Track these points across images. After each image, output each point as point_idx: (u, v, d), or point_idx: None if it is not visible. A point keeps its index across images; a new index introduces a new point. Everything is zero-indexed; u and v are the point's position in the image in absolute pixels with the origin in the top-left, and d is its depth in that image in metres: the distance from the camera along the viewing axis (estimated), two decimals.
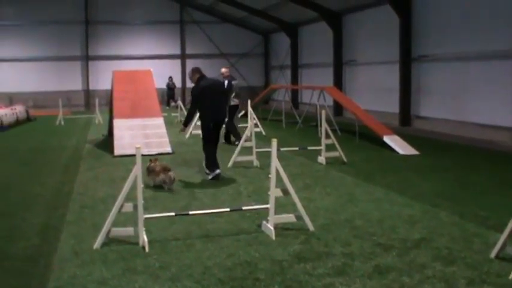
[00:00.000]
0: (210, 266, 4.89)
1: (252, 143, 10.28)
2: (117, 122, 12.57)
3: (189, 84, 9.59)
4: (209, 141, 9.19)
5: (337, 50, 22.75)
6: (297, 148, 11.57)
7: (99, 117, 20.36)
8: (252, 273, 4.72)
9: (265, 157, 9.85)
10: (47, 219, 6.65)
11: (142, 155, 5.62)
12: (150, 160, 8.62)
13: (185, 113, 9.78)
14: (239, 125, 13.78)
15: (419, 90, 17.37)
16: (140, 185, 5.36)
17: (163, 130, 12.59)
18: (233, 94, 13.18)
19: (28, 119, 21.36)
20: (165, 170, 8.30)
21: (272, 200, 5.80)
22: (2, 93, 26.84)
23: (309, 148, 11.11)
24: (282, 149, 11.07)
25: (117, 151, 11.75)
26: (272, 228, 5.75)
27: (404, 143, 12.17)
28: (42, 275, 4.76)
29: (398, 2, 17.41)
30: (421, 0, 17.04)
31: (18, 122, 19.75)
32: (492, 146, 12.84)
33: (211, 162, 9.13)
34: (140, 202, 5.39)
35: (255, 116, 13.62)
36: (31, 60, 28.36)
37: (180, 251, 5.32)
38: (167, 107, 27.73)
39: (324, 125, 10.30)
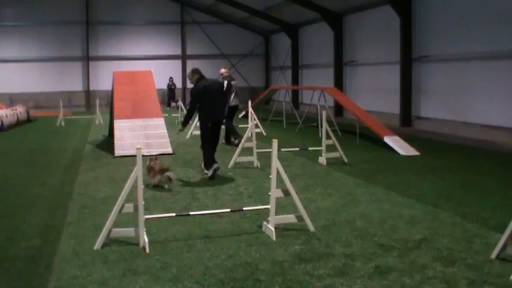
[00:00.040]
0: (210, 267, 4.89)
1: (253, 144, 10.28)
2: (117, 123, 12.57)
3: (190, 85, 9.67)
4: (208, 141, 9.26)
5: (337, 50, 22.76)
6: (297, 149, 11.57)
7: (99, 118, 20.37)
8: (252, 273, 4.71)
9: (265, 158, 9.85)
10: (48, 219, 6.65)
11: (143, 156, 5.62)
12: (150, 159, 8.70)
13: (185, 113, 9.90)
14: (240, 126, 13.78)
15: (419, 90, 17.37)
16: (141, 186, 5.36)
17: (163, 131, 12.59)
18: (232, 94, 13.23)
19: (29, 119, 21.37)
20: (162, 170, 8.35)
21: (273, 201, 5.79)
22: (2, 94, 26.87)
23: (310, 149, 11.11)
24: (282, 150, 11.09)
25: (118, 152, 11.75)
26: (273, 228, 5.74)
27: (405, 144, 12.16)
28: (43, 276, 4.75)
29: (399, 2, 17.41)
30: (421, 1, 17.04)
31: (18, 123, 19.76)
32: (493, 146, 12.83)
33: (209, 161, 9.20)
34: (141, 203, 5.39)
35: (255, 117, 13.62)
36: (32, 61, 28.40)
37: (181, 252, 5.32)
38: (168, 108, 27.73)
39: (325, 125, 10.30)
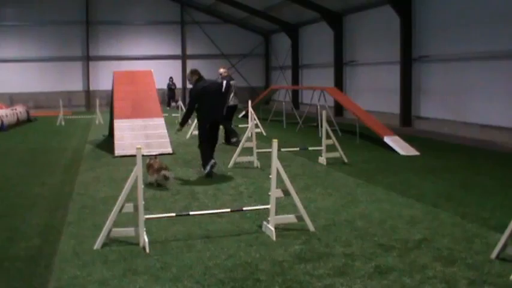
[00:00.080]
0: (210, 267, 4.89)
1: (253, 144, 10.28)
2: (117, 123, 12.58)
3: (190, 85, 9.77)
4: (205, 141, 9.35)
5: (337, 50, 22.76)
6: (297, 148, 11.57)
7: (99, 118, 20.37)
8: (252, 273, 4.72)
9: (265, 158, 9.85)
10: (48, 219, 6.65)
11: (143, 156, 5.62)
12: (150, 158, 8.78)
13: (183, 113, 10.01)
14: (240, 126, 13.79)
15: (419, 90, 17.37)
16: (141, 186, 5.36)
17: (163, 130, 12.60)
18: (232, 94, 13.27)
19: (29, 119, 21.38)
20: (159, 169, 8.40)
21: (273, 201, 5.79)
22: (2, 94, 26.88)
23: (310, 148, 11.11)
24: (282, 150, 11.08)
25: (118, 151, 11.76)
26: (273, 228, 5.74)
27: (405, 144, 12.16)
28: (43, 276, 4.75)
29: (399, 2, 17.41)
30: (421, 1, 17.04)
31: (18, 123, 19.76)
32: (493, 146, 12.83)
33: (206, 159, 9.28)
34: (141, 202, 5.39)
35: (255, 117, 13.62)
36: (32, 61, 28.40)
37: (181, 252, 5.32)
38: (168, 108, 27.73)
39: (325, 125, 10.30)
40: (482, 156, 11.39)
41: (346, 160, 10.35)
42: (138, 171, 5.31)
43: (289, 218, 6.00)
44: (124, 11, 29.70)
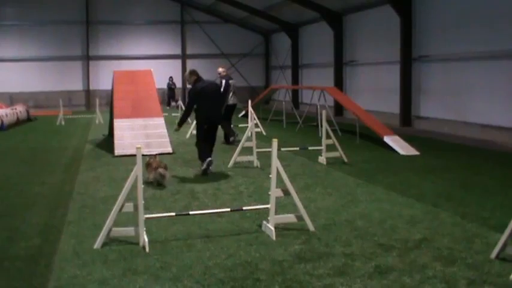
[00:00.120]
0: (210, 266, 4.89)
1: (253, 143, 10.29)
2: (117, 122, 12.58)
3: (189, 85, 9.88)
4: (203, 140, 9.50)
5: (337, 50, 22.75)
6: (297, 148, 11.57)
7: (99, 117, 20.38)
8: (252, 273, 4.72)
9: (265, 157, 9.85)
10: (48, 219, 6.65)
11: (143, 155, 5.62)
12: (150, 156, 8.87)
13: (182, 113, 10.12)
14: (240, 125, 13.80)
15: (419, 90, 17.37)
16: (141, 185, 5.36)
17: (163, 130, 12.60)
18: (231, 93, 13.30)
19: (29, 118, 21.38)
20: (157, 167, 8.47)
21: (273, 200, 5.79)
22: (2, 93, 26.88)
23: (310, 148, 11.10)
24: (282, 149, 11.08)
25: (118, 151, 11.76)
26: (273, 228, 5.74)
27: (405, 143, 12.16)
28: (43, 275, 4.75)
29: (399, 2, 17.41)
30: (421, 1, 17.04)
31: (18, 122, 19.76)
32: (493, 146, 12.83)
33: (204, 155, 9.41)
34: (141, 202, 5.39)
35: (255, 116, 13.62)
36: (32, 60, 28.40)
37: (181, 251, 5.32)
38: (167, 107, 27.75)
39: (325, 125, 10.30)
40: (482, 156, 11.38)
41: (346, 160, 10.35)
42: (138, 170, 5.31)
43: (289, 218, 6.00)
44: (124, 10, 29.70)
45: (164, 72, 28.10)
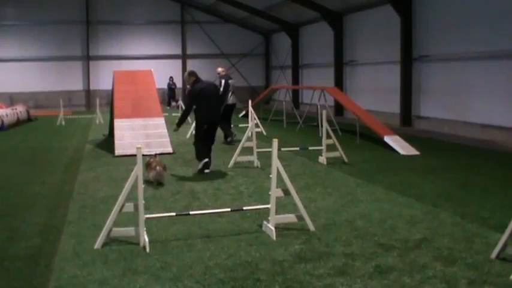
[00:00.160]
0: (210, 266, 4.89)
1: (253, 143, 10.29)
2: (118, 122, 12.58)
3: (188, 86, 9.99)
4: (201, 140, 9.62)
5: (338, 50, 22.75)
6: (297, 148, 11.57)
7: (99, 117, 20.38)
8: (252, 273, 4.72)
9: (266, 157, 9.85)
10: (48, 219, 6.65)
11: (143, 155, 5.62)
12: (150, 156, 8.92)
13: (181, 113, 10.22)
14: (240, 125, 13.81)
15: (420, 90, 17.36)
16: (141, 185, 5.36)
17: (164, 130, 12.60)
18: (230, 93, 13.32)
19: (29, 119, 21.38)
20: (156, 166, 8.52)
21: (273, 200, 5.80)
22: (3, 93, 26.89)
23: (310, 148, 11.10)
24: (282, 149, 11.08)
25: (118, 151, 11.76)
26: (273, 228, 5.74)
27: (405, 143, 12.16)
28: (43, 275, 4.76)
29: (399, 2, 17.41)
30: (422, 1, 17.03)
31: (19, 122, 19.76)
32: (493, 146, 12.83)
33: (201, 154, 9.56)
34: (141, 202, 5.39)
35: (255, 116, 13.62)
36: (32, 60, 28.40)
37: (181, 251, 5.32)
38: (168, 107, 27.75)
39: (325, 125, 10.30)
40: (482, 156, 11.38)
41: (346, 160, 10.35)
42: (138, 170, 5.32)
43: (290, 218, 6.00)
44: (124, 10, 29.69)
45: (164, 72, 28.10)
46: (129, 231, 5.58)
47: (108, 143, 13.54)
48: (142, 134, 12.38)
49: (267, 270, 4.77)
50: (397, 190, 7.99)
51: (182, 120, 9.72)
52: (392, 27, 18.02)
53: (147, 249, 5.31)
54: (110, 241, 5.51)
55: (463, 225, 6.11)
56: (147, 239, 5.41)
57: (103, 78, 27.89)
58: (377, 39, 19.84)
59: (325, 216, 6.57)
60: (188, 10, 30.68)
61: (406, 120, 17.68)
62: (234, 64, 30.65)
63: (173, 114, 20.61)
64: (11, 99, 26.69)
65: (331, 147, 10.39)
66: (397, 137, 12.52)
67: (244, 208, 6.38)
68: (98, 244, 5.43)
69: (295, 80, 27.83)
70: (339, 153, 10.33)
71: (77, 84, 29.48)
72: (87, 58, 29.43)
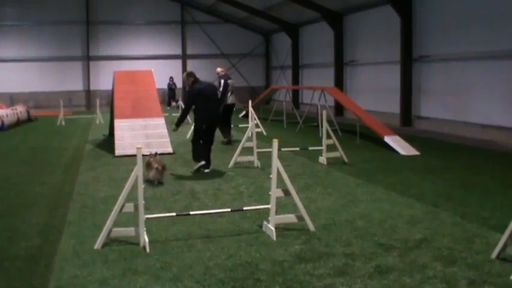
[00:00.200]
0: (211, 267, 4.89)
1: (253, 143, 10.29)
2: (118, 122, 12.58)
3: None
4: (199, 140, 9.68)
5: (338, 50, 22.75)
6: (298, 148, 11.57)
7: (100, 118, 20.38)
8: (252, 273, 4.72)
9: (266, 157, 9.85)
10: (48, 219, 6.65)
11: (143, 155, 5.62)
12: (150, 155, 8.93)
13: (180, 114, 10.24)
14: (240, 125, 13.81)
15: (420, 90, 17.36)
16: (141, 185, 5.36)
17: (164, 130, 12.60)
18: (229, 93, 13.33)
19: (29, 119, 21.38)
20: (155, 166, 8.56)
21: (273, 200, 5.80)
22: (3, 93, 26.90)
23: (310, 148, 11.10)
24: (283, 149, 11.08)
25: (118, 151, 11.76)
26: (273, 228, 5.74)
27: (405, 143, 12.16)
28: (43, 275, 4.76)
29: (399, 2, 17.41)
30: (422, 1, 17.03)
31: (19, 122, 19.76)
32: (493, 146, 12.83)
33: (198, 155, 9.59)
34: (141, 202, 5.39)
35: (256, 117, 13.63)
36: (32, 61, 28.41)
37: (181, 251, 5.32)
38: (168, 107, 27.75)
39: (325, 125, 10.30)
40: (482, 156, 11.38)
41: (346, 160, 10.35)
42: (138, 170, 5.31)
43: (290, 218, 6.00)
44: (124, 11, 29.70)
45: (164, 73, 28.09)
46: (129, 231, 5.58)
47: (108, 143, 13.55)
48: (143, 134, 12.38)
49: (267, 271, 4.77)
50: (397, 190, 7.99)
51: (181, 120, 9.76)
52: (393, 27, 18.02)
53: (147, 250, 5.31)
54: (110, 241, 5.51)
55: (463, 225, 6.11)
56: (147, 239, 5.41)
57: (103, 78, 27.89)
58: (377, 39, 19.84)
59: (325, 216, 6.57)
60: (188, 10, 30.69)
61: (406, 121, 17.68)
62: (234, 64, 30.65)
63: (173, 114, 20.59)
64: (11, 99, 26.69)
65: (331, 148, 10.39)
66: (397, 137, 12.52)
67: (245, 208, 6.38)
68: (98, 244, 5.43)
69: (295, 80, 27.83)
70: (339, 153, 10.33)
71: (77, 85, 29.48)
72: (87, 58, 29.44)
